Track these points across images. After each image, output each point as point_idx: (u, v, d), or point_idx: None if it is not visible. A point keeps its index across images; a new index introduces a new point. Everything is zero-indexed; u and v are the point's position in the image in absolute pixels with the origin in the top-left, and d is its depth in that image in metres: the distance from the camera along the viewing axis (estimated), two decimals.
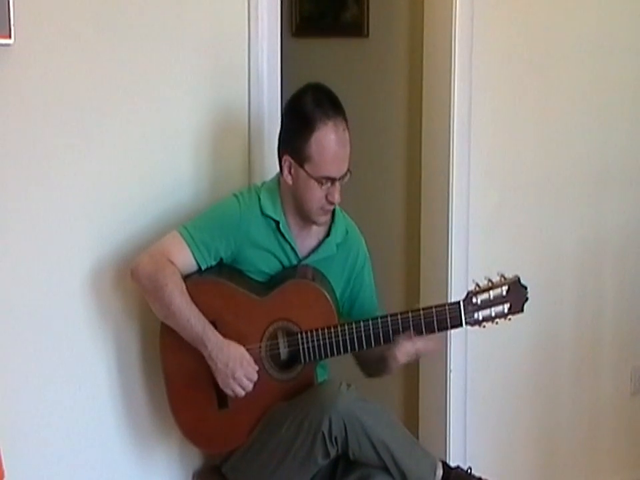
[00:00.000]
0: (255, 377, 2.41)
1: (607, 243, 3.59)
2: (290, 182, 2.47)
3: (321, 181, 2.42)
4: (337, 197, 2.45)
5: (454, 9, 3.12)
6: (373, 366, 2.60)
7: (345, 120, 2.44)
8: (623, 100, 3.56)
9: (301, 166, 2.42)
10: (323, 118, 2.40)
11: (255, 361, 2.43)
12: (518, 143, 3.35)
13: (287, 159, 2.45)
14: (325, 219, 2.52)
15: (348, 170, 2.46)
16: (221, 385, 2.42)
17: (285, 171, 2.47)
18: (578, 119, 3.46)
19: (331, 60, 3.89)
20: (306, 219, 2.51)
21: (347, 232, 2.63)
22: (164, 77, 2.62)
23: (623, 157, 3.59)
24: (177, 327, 2.42)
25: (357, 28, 3.83)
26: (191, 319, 2.40)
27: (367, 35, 3.81)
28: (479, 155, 3.24)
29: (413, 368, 3.38)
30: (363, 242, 2.68)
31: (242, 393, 2.41)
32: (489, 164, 3.29)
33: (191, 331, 2.40)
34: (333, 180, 2.43)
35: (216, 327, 2.42)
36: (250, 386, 2.41)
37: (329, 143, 2.40)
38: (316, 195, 2.44)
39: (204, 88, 2.69)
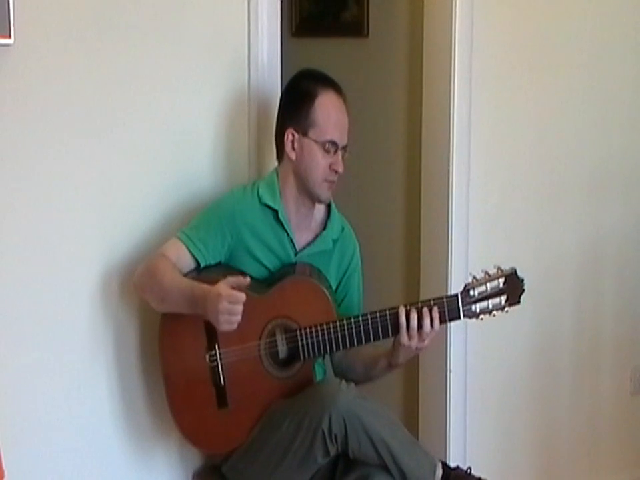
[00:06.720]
0: (240, 296, 2.28)
1: (606, 242, 3.59)
2: (294, 157, 2.52)
3: (325, 145, 2.48)
4: (341, 167, 2.51)
5: (454, 9, 3.12)
6: (359, 370, 2.59)
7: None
8: (622, 100, 3.56)
9: (305, 134, 2.49)
10: (323, 86, 2.52)
11: (253, 359, 2.44)
12: (518, 143, 3.35)
13: (289, 132, 2.52)
14: (329, 194, 2.56)
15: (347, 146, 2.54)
16: (216, 327, 2.34)
17: (288, 147, 2.52)
18: (577, 118, 3.46)
19: (331, 60, 3.88)
20: (310, 196, 2.55)
21: (343, 229, 2.66)
22: (164, 78, 2.62)
23: (623, 156, 3.59)
24: (173, 302, 2.41)
25: (357, 28, 3.84)
26: (181, 287, 2.39)
27: (367, 35, 3.81)
28: (479, 155, 3.24)
29: (413, 368, 3.39)
30: (358, 246, 2.71)
31: (235, 319, 2.30)
32: (489, 164, 3.30)
33: (184, 298, 2.37)
34: (336, 148, 2.49)
35: None
36: (238, 309, 2.29)
37: (333, 105, 2.51)
38: (320, 163, 2.50)
39: (204, 88, 2.70)
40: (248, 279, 2.34)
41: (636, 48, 3.55)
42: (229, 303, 2.29)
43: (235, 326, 2.32)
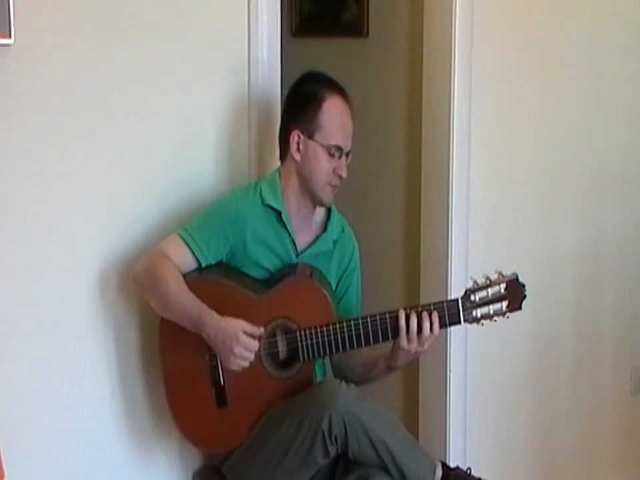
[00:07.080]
0: (255, 345, 2.36)
1: (606, 242, 3.59)
2: (298, 158, 2.52)
3: (330, 150, 2.49)
4: (345, 172, 2.52)
5: (454, 9, 3.12)
6: (358, 371, 2.60)
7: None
8: (622, 100, 3.56)
9: (311, 137, 2.50)
10: (331, 90, 2.53)
11: (253, 359, 2.44)
12: (518, 143, 3.36)
13: (295, 134, 2.52)
14: (331, 197, 2.57)
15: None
16: (224, 363, 2.40)
17: (293, 148, 2.52)
18: (577, 118, 3.46)
19: (331, 60, 3.88)
20: (312, 198, 2.55)
21: (343, 230, 2.67)
22: (164, 78, 2.62)
23: (623, 156, 3.59)
24: (176, 315, 2.42)
25: (357, 28, 3.84)
26: (187, 306, 2.39)
27: (367, 35, 3.81)
28: (479, 155, 3.24)
29: (413, 368, 3.39)
30: (357, 246, 2.72)
31: (245, 364, 2.37)
32: (489, 164, 3.30)
33: (188, 317, 2.39)
34: (340, 152, 2.50)
35: None
36: (252, 356, 2.36)
37: (340, 110, 2.52)
38: (324, 167, 2.50)
39: (204, 88, 2.70)
40: (262, 330, 2.38)
41: (636, 47, 3.55)
42: (245, 350, 2.34)
43: (240, 369, 2.37)
